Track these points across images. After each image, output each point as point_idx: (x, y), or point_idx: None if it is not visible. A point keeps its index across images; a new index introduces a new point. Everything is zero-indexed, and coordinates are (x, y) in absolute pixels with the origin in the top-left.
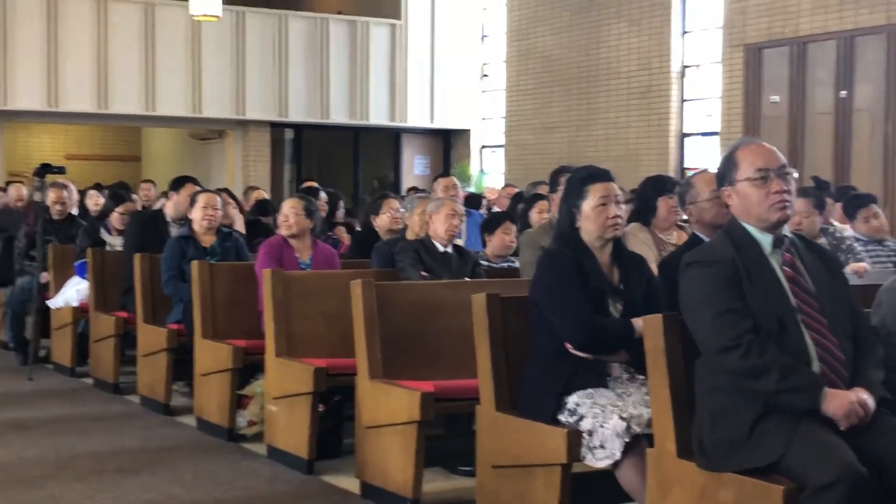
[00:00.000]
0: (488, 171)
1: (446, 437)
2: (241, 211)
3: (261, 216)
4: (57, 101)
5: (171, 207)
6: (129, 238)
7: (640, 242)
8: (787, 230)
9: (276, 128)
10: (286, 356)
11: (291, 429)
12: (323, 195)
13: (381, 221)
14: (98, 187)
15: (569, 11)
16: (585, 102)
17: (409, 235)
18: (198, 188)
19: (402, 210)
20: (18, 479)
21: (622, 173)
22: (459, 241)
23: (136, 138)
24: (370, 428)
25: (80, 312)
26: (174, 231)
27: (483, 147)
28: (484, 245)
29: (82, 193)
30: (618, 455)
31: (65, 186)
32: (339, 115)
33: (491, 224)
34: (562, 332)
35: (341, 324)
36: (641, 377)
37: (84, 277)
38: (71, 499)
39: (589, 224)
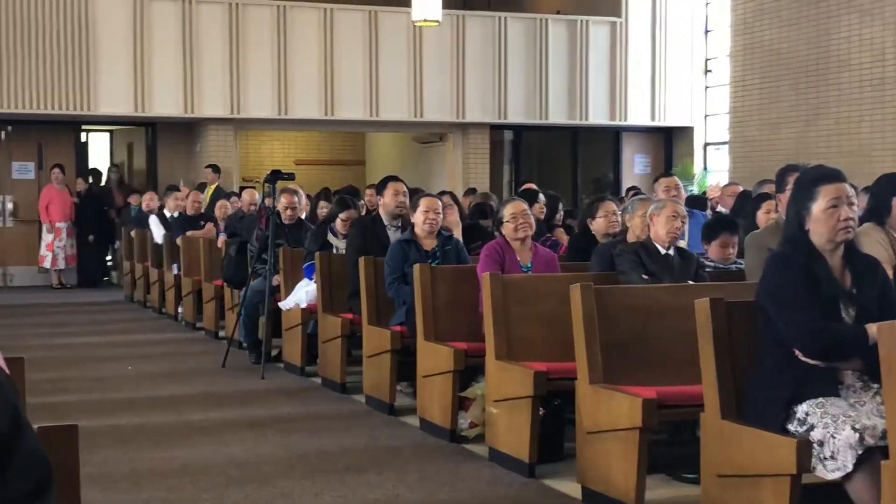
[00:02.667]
0: (712, 170)
1: (669, 444)
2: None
3: (480, 219)
4: (286, 109)
5: (382, 210)
6: (349, 245)
7: (875, 243)
8: None
9: (496, 129)
10: (506, 359)
11: (512, 432)
12: (542, 197)
13: (598, 224)
14: (325, 192)
15: (797, 3)
16: (814, 96)
17: (630, 238)
18: (401, 186)
19: (618, 213)
20: (252, 476)
21: (853, 170)
22: (682, 243)
23: (361, 143)
24: (591, 433)
25: (308, 314)
26: (392, 234)
27: (706, 144)
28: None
29: (311, 199)
30: (850, 467)
31: (295, 192)
32: (557, 116)
33: (709, 232)
34: (791, 339)
35: (561, 327)
36: (876, 385)
37: (312, 280)
38: (301, 496)
39: (819, 227)
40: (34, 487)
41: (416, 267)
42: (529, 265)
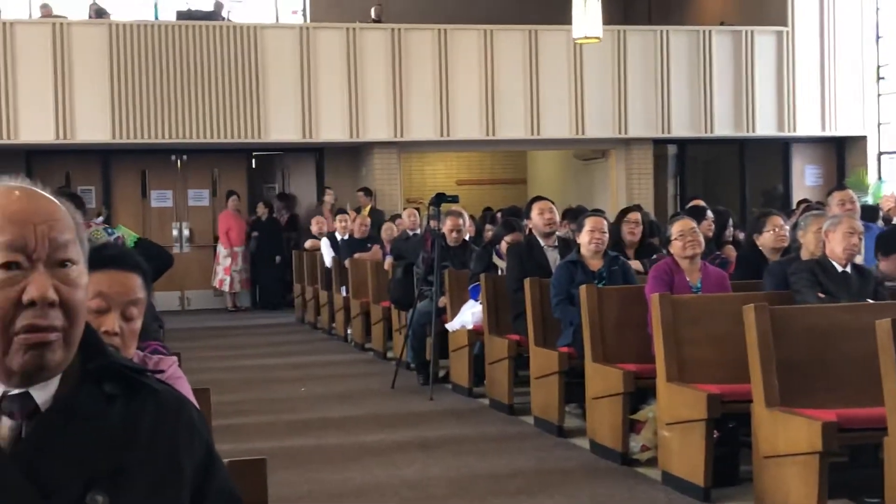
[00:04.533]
0: (887, 180)
1: (851, 467)
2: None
3: (649, 237)
4: (448, 131)
5: (534, 230)
6: (508, 273)
7: None
8: None
9: (659, 144)
10: (678, 381)
11: (686, 455)
12: (710, 214)
13: (765, 240)
14: (488, 211)
15: None
16: None
17: (804, 255)
18: (547, 204)
19: (786, 226)
20: (425, 498)
21: None
22: (859, 259)
23: (522, 161)
24: (768, 457)
25: (475, 335)
26: (549, 253)
27: (881, 154)
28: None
29: (473, 218)
30: None
31: (459, 214)
32: (723, 128)
33: (886, 245)
34: None
35: (734, 348)
36: None
37: (478, 301)
38: None
39: None
40: None
41: (583, 288)
42: (699, 285)
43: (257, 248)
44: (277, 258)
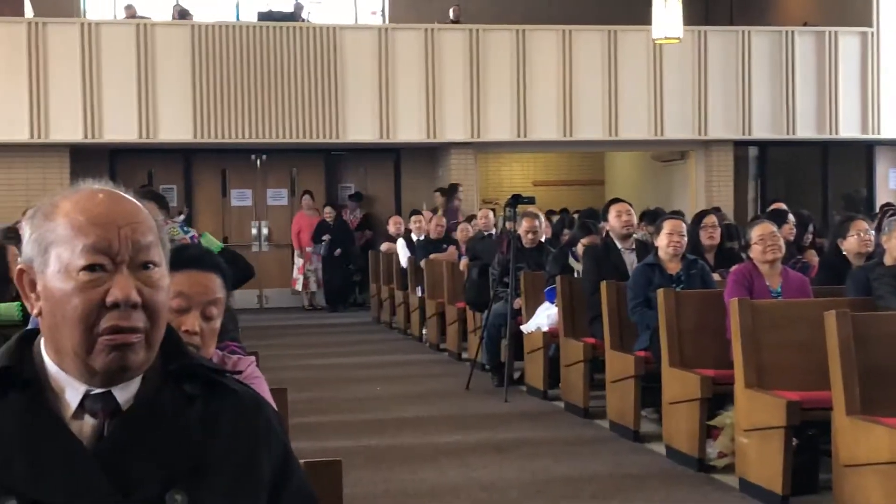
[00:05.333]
0: None
1: None
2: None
3: (728, 241)
4: (525, 131)
5: (612, 233)
6: (584, 276)
7: None
8: None
9: (739, 146)
10: (756, 388)
11: (764, 462)
12: (791, 218)
13: (849, 244)
14: (564, 213)
15: None
16: None
17: (888, 260)
18: (624, 206)
19: (871, 231)
20: (499, 500)
21: None
22: None
23: (600, 162)
24: (848, 466)
25: (550, 337)
26: (626, 256)
27: None
28: None
29: (551, 221)
30: None
31: (536, 216)
32: (805, 130)
33: None
34: None
35: (814, 355)
36: None
37: (554, 303)
38: None
39: None
40: None
41: (661, 291)
42: (779, 289)
43: (328, 250)
44: (338, 250)
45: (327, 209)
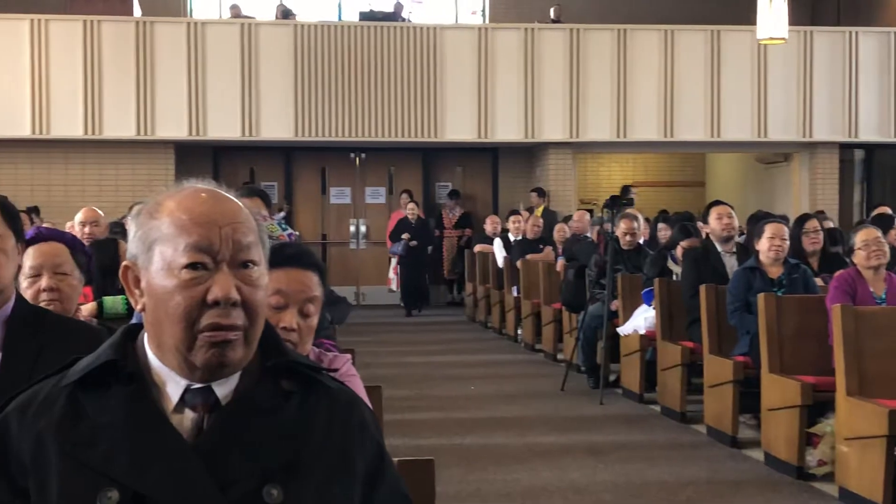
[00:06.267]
0: None
1: None
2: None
3: (831, 246)
4: (625, 132)
5: (711, 236)
6: (684, 278)
7: None
8: None
9: (845, 148)
10: (858, 396)
11: (864, 471)
12: None
13: None
14: (664, 214)
15: None
16: None
17: None
18: (725, 209)
19: None
20: (591, 502)
21: None
22: None
23: (701, 163)
24: None
25: (647, 340)
26: (726, 260)
27: None
28: None
29: (648, 221)
30: None
31: (634, 217)
32: None
33: None
34: None
35: None
36: None
37: (651, 306)
38: None
39: None
40: None
41: (761, 296)
42: (884, 296)
43: (405, 249)
44: (413, 241)
45: (410, 206)
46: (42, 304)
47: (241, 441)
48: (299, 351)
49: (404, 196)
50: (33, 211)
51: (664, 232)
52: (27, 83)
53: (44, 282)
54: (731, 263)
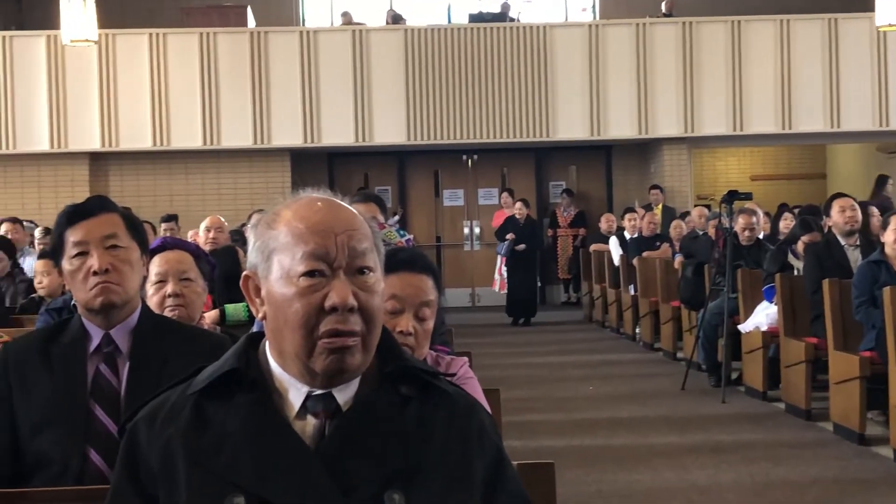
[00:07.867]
0: None
1: None
2: None
3: None
4: (742, 125)
5: (834, 229)
6: (806, 275)
7: None
8: None
9: None
10: None
11: None
12: None
13: None
14: (783, 207)
15: None
16: None
17: None
18: (848, 201)
19: None
20: (715, 503)
21: None
22: None
23: (821, 155)
24: None
25: (769, 337)
26: (850, 253)
27: None
28: None
29: (769, 215)
30: None
31: (753, 212)
32: None
33: None
34: None
35: None
36: None
37: (772, 302)
38: None
39: None
40: None
41: (887, 290)
42: None
43: (510, 250)
44: (519, 244)
45: (518, 205)
46: (167, 310)
47: (362, 447)
48: (416, 355)
49: (505, 195)
50: (173, 219)
51: (787, 222)
52: (147, 96)
53: (169, 288)
54: (854, 257)
